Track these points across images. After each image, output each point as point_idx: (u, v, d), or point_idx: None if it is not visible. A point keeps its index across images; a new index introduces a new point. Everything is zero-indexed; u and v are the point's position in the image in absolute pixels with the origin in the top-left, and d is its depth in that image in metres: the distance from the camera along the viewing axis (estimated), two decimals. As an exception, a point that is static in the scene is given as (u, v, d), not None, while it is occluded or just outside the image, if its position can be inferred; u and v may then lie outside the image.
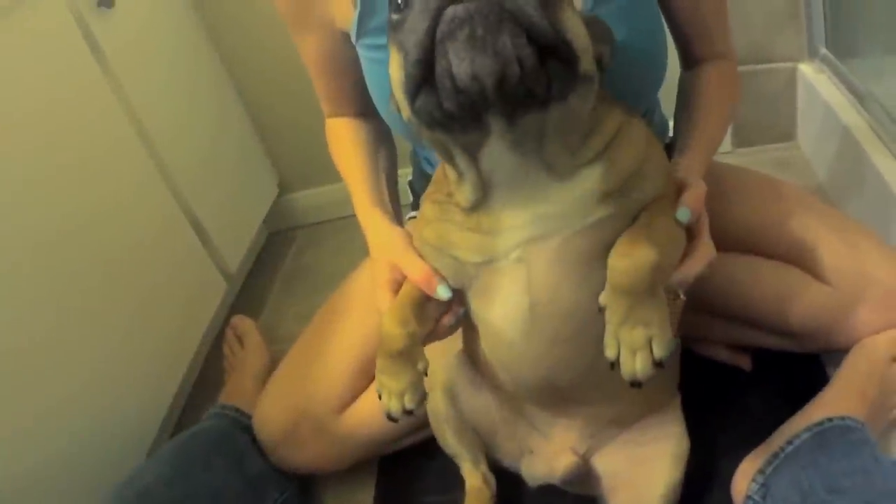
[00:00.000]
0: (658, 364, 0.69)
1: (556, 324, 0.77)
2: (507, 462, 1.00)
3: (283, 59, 1.67)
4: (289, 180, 1.98)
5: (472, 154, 0.70)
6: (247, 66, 1.78)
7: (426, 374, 0.80)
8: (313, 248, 1.93)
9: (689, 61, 1.03)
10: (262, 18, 1.67)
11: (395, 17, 0.66)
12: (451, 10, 0.59)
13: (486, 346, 0.86)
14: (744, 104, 1.71)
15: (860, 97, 1.42)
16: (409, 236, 0.86)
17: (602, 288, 0.71)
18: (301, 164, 1.93)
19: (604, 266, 0.71)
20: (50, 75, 1.15)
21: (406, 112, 0.69)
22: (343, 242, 1.89)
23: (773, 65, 1.66)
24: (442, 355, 0.97)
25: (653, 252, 0.69)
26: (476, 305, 0.81)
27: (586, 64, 0.67)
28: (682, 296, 0.80)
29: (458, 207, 0.76)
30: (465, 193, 0.74)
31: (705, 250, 0.79)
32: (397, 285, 0.83)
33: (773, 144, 1.78)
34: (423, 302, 0.81)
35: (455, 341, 0.94)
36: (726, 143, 1.78)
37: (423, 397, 0.81)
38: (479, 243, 0.75)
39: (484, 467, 1.01)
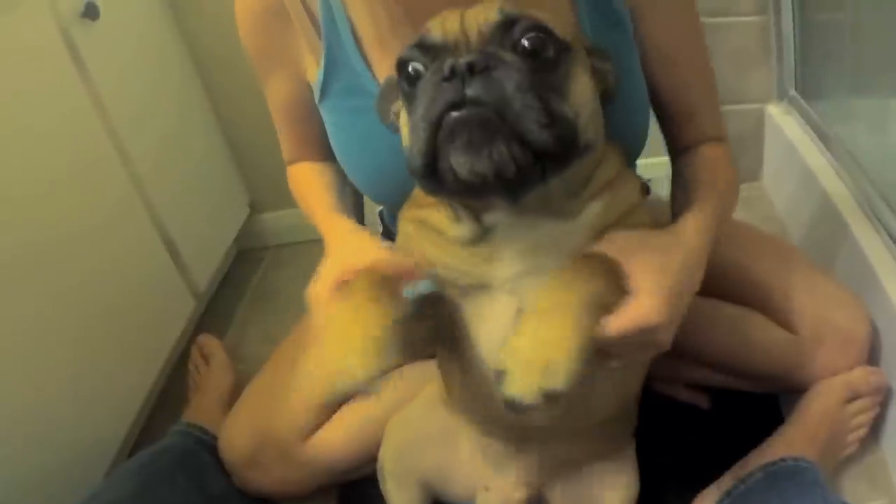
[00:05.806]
0: (549, 399, 0.57)
1: None
2: (461, 501, 0.99)
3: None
4: (260, 200, 1.97)
5: (476, 212, 0.73)
6: (224, 86, 1.77)
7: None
8: (281, 269, 1.91)
9: (679, 148, 0.95)
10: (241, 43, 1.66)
11: (407, 89, 0.69)
12: (450, 118, 0.62)
13: (465, 366, 0.82)
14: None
15: (826, 139, 1.44)
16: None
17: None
18: (273, 184, 1.90)
19: None
20: (29, 83, 1.13)
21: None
22: (311, 265, 1.84)
23: (742, 105, 1.68)
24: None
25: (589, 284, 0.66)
26: (464, 322, 0.77)
27: (590, 133, 0.69)
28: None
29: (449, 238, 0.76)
30: (460, 232, 0.75)
31: (639, 308, 0.68)
32: (343, 286, 0.74)
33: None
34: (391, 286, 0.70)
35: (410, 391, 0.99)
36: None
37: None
38: (472, 266, 0.75)
39: None
